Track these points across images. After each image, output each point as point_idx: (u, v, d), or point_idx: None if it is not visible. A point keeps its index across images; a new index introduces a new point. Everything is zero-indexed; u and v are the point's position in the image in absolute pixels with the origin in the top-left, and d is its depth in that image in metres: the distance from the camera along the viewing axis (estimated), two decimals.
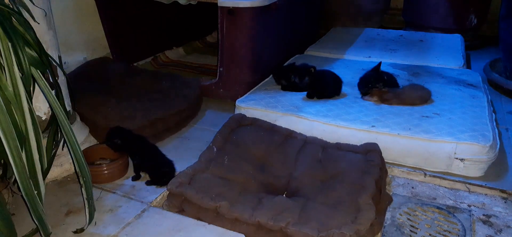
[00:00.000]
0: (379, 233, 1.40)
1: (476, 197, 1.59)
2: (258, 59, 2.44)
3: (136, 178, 1.72)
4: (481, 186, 1.63)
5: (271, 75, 2.43)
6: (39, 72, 1.35)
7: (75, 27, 2.65)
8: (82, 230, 1.39)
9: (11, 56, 1.20)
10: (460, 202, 1.56)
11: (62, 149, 1.70)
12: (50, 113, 1.67)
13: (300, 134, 1.89)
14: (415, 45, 3.11)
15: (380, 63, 2.22)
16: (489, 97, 2.20)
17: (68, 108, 1.77)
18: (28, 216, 1.30)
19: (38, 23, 1.52)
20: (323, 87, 2.17)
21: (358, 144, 1.78)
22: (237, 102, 2.14)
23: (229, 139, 1.82)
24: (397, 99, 2.05)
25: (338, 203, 1.43)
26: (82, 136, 1.87)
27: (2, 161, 1.37)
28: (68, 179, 1.72)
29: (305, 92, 2.18)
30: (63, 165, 1.74)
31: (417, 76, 2.44)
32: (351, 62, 2.75)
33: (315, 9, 3.47)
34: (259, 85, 2.36)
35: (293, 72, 2.25)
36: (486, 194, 1.61)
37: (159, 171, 1.69)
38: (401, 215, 1.49)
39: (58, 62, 1.67)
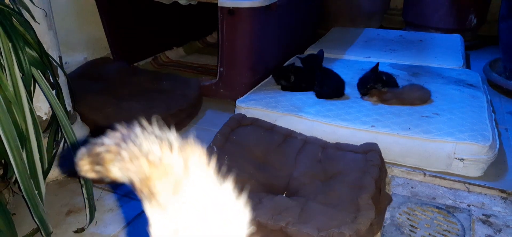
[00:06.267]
0: (379, 233, 1.40)
1: (475, 197, 1.60)
2: (258, 59, 2.44)
3: None
4: (480, 186, 1.63)
5: (271, 75, 2.43)
6: (40, 72, 1.35)
7: (75, 27, 2.65)
8: (82, 229, 1.40)
9: (12, 56, 1.20)
10: (460, 202, 1.57)
11: (63, 149, 1.70)
12: (50, 113, 1.67)
13: (300, 134, 1.89)
14: (415, 45, 3.11)
15: (377, 63, 2.22)
16: (489, 97, 2.20)
17: (69, 108, 1.77)
18: (28, 216, 1.30)
19: (39, 23, 1.52)
20: (326, 86, 2.19)
21: (358, 144, 1.78)
22: (237, 102, 2.14)
23: (229, 139, 1.82)
24: (396, 99, 2.05)
25: (338, 203, 1.43)
26: (82, 136, 1.87)
27: (2, 161, 1.38)
28: (69, 179, 1.73)
29: (303, 92, 2.20)
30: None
31: (416, 76, 2.45)
32: (351, 62, 2.75)
33: (315, 9, 3.48)
34: (259, 85, 2.36)
35: (293, 70, 2.28)
36: (485, 194, 1.61)
37: None
38: (400, 214, 1.49)
39: (58, 62, 1.67)
